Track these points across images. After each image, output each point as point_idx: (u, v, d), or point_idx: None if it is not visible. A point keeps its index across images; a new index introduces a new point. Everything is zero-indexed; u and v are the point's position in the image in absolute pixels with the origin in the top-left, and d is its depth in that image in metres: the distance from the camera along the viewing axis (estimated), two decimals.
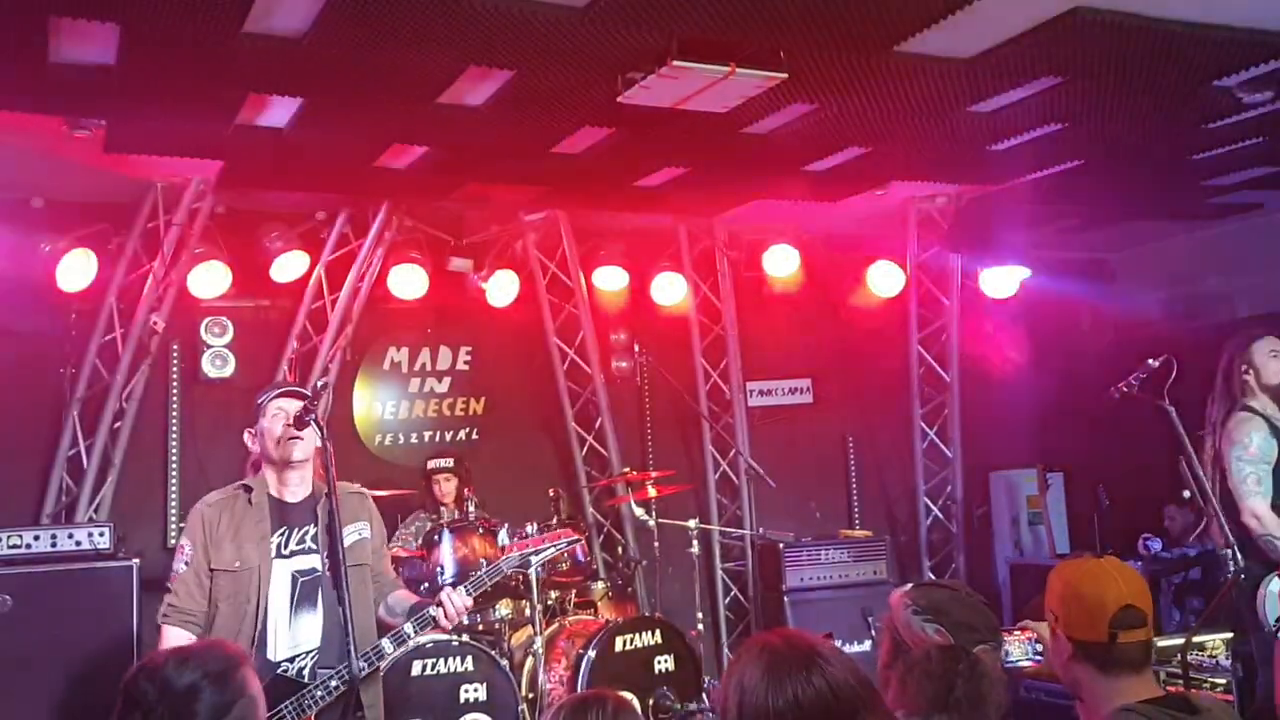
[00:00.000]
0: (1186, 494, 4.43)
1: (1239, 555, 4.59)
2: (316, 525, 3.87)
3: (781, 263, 8.04)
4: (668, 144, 5.99)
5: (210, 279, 6.79)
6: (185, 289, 6.77)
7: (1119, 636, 2.49)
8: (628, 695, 2.62)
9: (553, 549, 4.15)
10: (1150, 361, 4.60)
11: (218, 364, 7.01)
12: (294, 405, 3.80)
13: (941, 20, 4.37)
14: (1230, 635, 5.10)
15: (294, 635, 3.76)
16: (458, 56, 4.63)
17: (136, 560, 5.93)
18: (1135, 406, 4.65)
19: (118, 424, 6.71)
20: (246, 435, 3.94)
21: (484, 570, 3.94)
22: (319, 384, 3.76)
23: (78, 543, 5.91)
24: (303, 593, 3.80)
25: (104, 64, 4.59)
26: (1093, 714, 2.54)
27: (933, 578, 3.08)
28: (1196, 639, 5.22)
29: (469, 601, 3.87)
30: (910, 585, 2.93)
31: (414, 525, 6.86)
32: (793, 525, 7.98)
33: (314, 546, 3.85)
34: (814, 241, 8.09)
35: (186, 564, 3.76)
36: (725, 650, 8.13)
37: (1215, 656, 5.19)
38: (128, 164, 6.00)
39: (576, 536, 4.30)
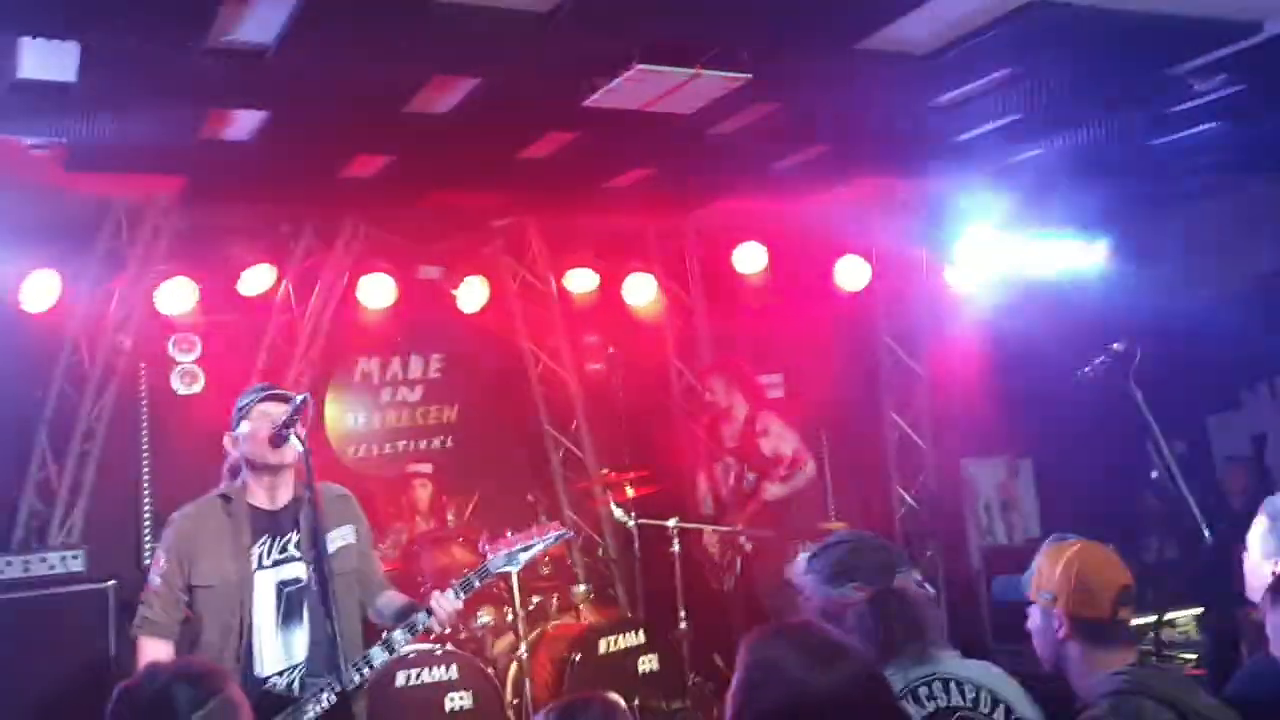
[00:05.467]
0: (1154, 474, 4.50)
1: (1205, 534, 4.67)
2: (299, 532, 3.77)
3: (750, 260, 8.09)
4: (634, 146, 6.02)
5: (176, 296, 6.71)
6: (151, 306, 6.70)
7: (1120, 614, 2.64)
8: (615, 697, 2.62)
9: (541, 544, 3.97)
10: (1114, 345, 4.67)
11: (187, 381, 6.94)
12: (279, 409, 3.68)
13: (901, 17, 4.42)
14: (1200, 612, 5.21)
15: (281, 648, 3.69)
16: (423, 66, 4.63)
17: (112, 582, 5.89)
18: (1102, 390, 4.72)
19: (87, 445, 6.63)
20: (227, 440, 3.82)
21: (474, 572, 3.84)
22: (300, 400, 3.66)
23: (51, 566, 5.88)
24: (289, 604, 3.72)
25: (64, 81, 4.55)
26: (1084, 684, 2.65)
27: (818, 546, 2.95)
28: (1168, 616, 5.34)
29: (459, 605, 3.79)
30: (804, 558, 2.78)
31: (390, 538, 6.83)
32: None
33: (297, 554, 3.76)
34: (781, 238, 8.14)
35: (160, 577, 3.68)
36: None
37: (1186, 633, 5.31)
38: (89, 182, 5.93)
39: (564, 530, 4.13)
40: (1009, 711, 2.46)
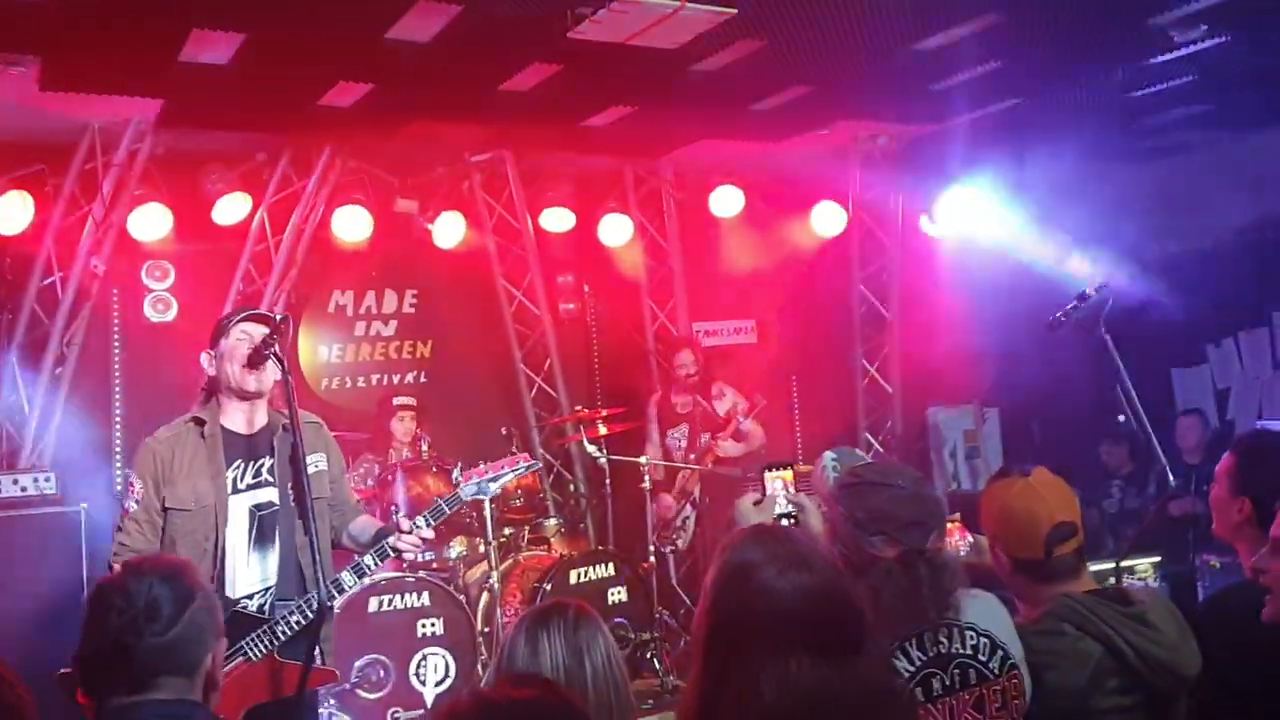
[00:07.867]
0: (1121, 418, 4.58)
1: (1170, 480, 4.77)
2: (273, 457, 3.79)
3: (727, 203, 8.10)
4: (615, 82, 5.99)
5: (150, 222, 6.66)
6: (125, 232, 6.63)
7: (1054, 551, 2.61)
8: (587, 605, 2.66)
9: (511, 474, 4.08)
10: (1087, 290, 4.74)
11: (160, 308, 6.91)
12: (258, 330, 3.69)
13: None
14: (1158, 559, 5.35)
15: (252, 571, 3.73)
16: None
17: (84, 505, 5.89)
18: (1067, 345, 4.77)
19: (59, 369, 6.59)
20: (204, 358, 3.81)
21: (444, 499, 3.91)
22: (279, 318, 3.67)
23: (23, 489, 5.88)
24: (261, 528, 3.75)
25: None
26: (1034, 610, 2.67)
27: (860, 457, 2.99)
28: (1126, 562, 5.46)
29: (430, 533, 3.85)
30: (837, 476, 2.67)
31: (361, 468, 6.86)
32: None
33: (270, 479, 3.78)
34: (759, 182, 8.15)
35: (137, 502, 3.68)
36: (674, 582, 8.27)
37: (1144, 579, 5.44)
38: (64, 102, 5.83)
39: (534, 461, 4.25)
40: (1006, 658, 2.43)
